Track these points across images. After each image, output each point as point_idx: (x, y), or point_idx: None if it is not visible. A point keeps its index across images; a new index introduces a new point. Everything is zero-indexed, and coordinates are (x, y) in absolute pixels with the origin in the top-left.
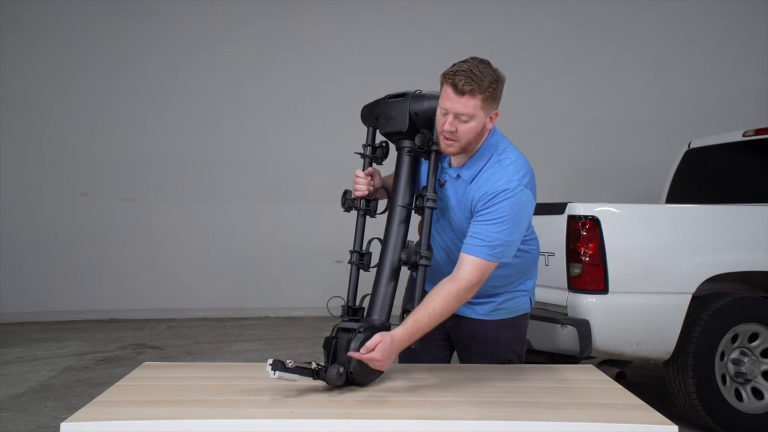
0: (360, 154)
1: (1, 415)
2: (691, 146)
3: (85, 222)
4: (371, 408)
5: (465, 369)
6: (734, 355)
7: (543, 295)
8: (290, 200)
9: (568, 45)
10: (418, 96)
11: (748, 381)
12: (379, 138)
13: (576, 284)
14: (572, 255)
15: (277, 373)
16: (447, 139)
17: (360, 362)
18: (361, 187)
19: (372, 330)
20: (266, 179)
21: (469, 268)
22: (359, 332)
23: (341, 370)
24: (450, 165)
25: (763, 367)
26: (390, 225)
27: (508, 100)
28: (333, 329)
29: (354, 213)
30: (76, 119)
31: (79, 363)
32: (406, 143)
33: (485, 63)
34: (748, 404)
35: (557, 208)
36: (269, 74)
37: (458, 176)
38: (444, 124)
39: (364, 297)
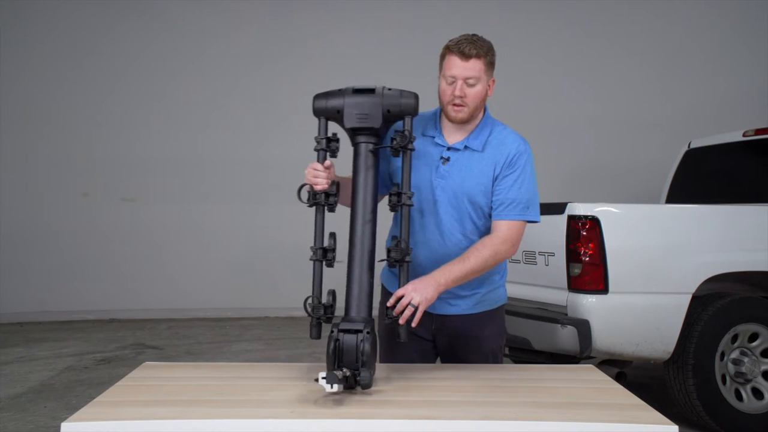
0: (321, 148)
1: (1, 415)
2: (691, 146)
3: (85, 222)
4: (371, 408)
5: (464, 369)
6: (734, 355)
7: (543, 295)
8: (290, 200)
9: (568, 45)
10: (392, 93)
11: (748, 381)
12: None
13: (576, 284)
14: (572, 255)
15: (334, 386)
16: (456, 105)
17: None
18: (322, 181)
19: (372, 325)
20: (266, 179)
21: (503, 229)
22: (368, 333)
23: (372, 373)
24: (447, 143)
25: (763, 367)
26: (356, 221)
27: (509, 100)
28: (332, 331)
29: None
30: (76, 119)
31: (79, 363)
32: (371, 139)
33: (478, 35)
34: (748, 404)
35: (557, 208)
36: (269, 74)
37: (466, 147)
38: (454, 90)
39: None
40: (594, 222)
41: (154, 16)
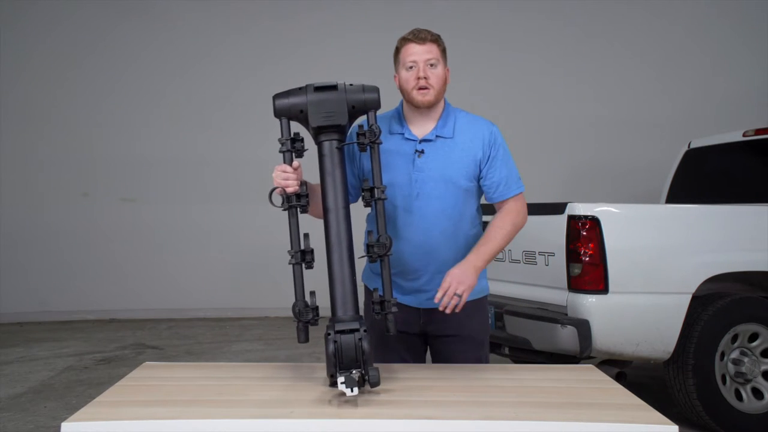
0: (287, 150)
1: (1, 415)
2: (691, 146)
3: (85, 222)
4: (371, 408)
5: (465, 369)
6: (734, 355)
7: (543, 295)
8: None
9: (568, 45)
10: (354, 88)
11: (748, 381)
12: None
13: (576, 284)
14: (572, 255)
15: (355, 389)
16: (422, 89)
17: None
18: (293, 183)
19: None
20: (266, 179)
21: (512, 204)
22: (365, 331)
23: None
24: (417, 136)
25: (763, 367)
26: (330, 219)
27: (509, 100)
28: (328, 333)
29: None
30: (76, 119)
31: (79, 363)
32: (335, 136)
33: None
34: (748, 404)
35: (557, 208)
36: (269, 75)
37: (437, 137)
38: (417, 72)
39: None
40: (594, 222)
41: (155, 16)
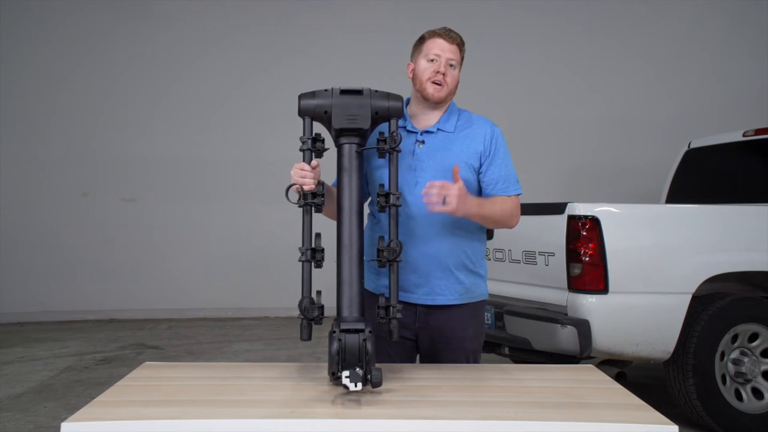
0: (308, 149)
1: (1, 415)
2: (691, 146)
3: (85, 222)
4: (371, 408)
5: (465, 369)
6: (734, 355)
7: (543, 295)
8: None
9: (568, 45)
10: (379, 94)
11: (748, 381)
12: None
13: (576, 284)
14: (572, 255)
15: (359, 384)
16: (437, 84)
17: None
18: (310, 181)
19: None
20: (266, 179)
21: (506, 198)
22: (370, 332)
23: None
24: (418, 129)
25: (763, 367)
26: (343, 221)
27: (510, 100)
28: (333, 331)
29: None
30: (76, 119)
31: (79, 363)
32: (356, 140)
33: None
34: (748, 404)
35: (557, 208)
36: (270, 75)
37: (439, 130)
38: (438, 67)
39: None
40: (594, 222)
41: (155, 16)
